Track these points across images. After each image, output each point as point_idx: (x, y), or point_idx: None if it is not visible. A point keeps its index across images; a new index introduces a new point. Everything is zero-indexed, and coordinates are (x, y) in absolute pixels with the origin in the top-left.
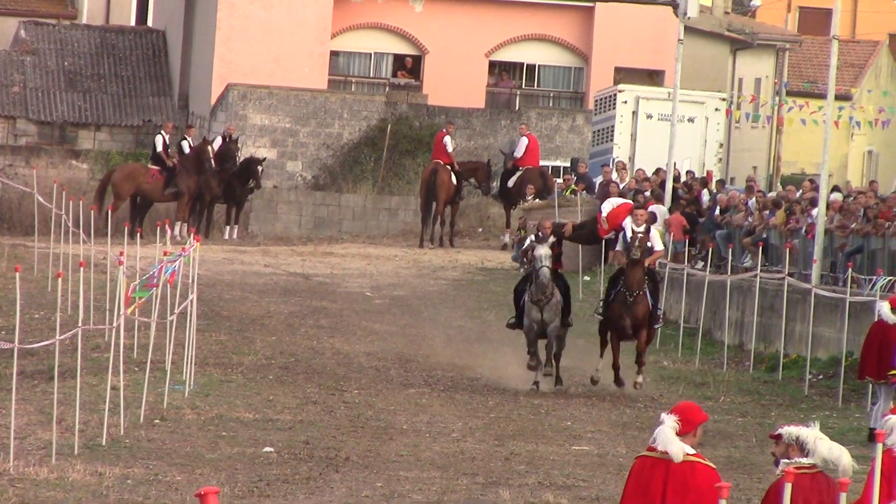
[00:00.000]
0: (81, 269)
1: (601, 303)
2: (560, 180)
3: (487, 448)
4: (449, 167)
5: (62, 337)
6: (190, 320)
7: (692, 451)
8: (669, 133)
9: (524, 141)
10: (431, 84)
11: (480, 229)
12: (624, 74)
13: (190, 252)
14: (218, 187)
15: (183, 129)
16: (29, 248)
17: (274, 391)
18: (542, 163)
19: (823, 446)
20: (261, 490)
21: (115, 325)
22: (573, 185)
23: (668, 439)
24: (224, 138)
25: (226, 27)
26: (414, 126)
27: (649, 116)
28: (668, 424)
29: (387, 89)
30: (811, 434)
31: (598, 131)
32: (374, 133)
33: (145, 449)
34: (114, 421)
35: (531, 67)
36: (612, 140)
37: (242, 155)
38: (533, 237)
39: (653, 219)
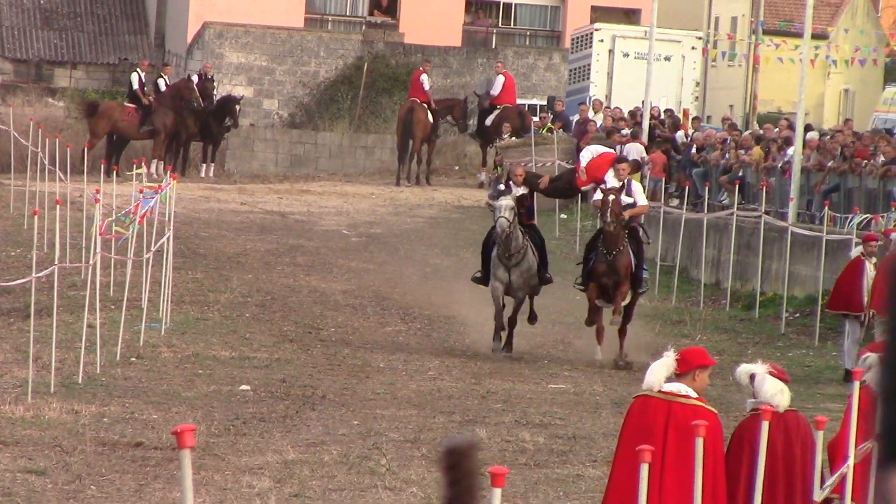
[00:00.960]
0: (58, 206)
1: (581, 270)
2: (537, 119)
3: (464, 386)
4: (425, 105)
5: (38, 275)
6: (166, 258)
7: (692, 394)
8: (646, 72)
9: (501, 79)
10: (408, 22)
11: (457, 167)
12: (600, 13)
13: (166, 190)
14: (194, 125)
15: (159, 67)
16: (5, 185)
17: (250, 329)
18: (518, 101)
19: (769, 386)
20: (237, 428)
21: (91, 263)
22: (550, 124)
23: (651, 370)
24: (200, 76)
25: None
26: (390, 64)
27: (626, 55)
28: (663, 360)
29: (363, 27)
30: (747, 369)
31: (575, 70)
32: (350, 71)
33: (121, 387)
34: (90, 359)
35: (507, 6)
36: (588, 79)
37: (219, 93)
38: (502, 184)
39: (636, 168)
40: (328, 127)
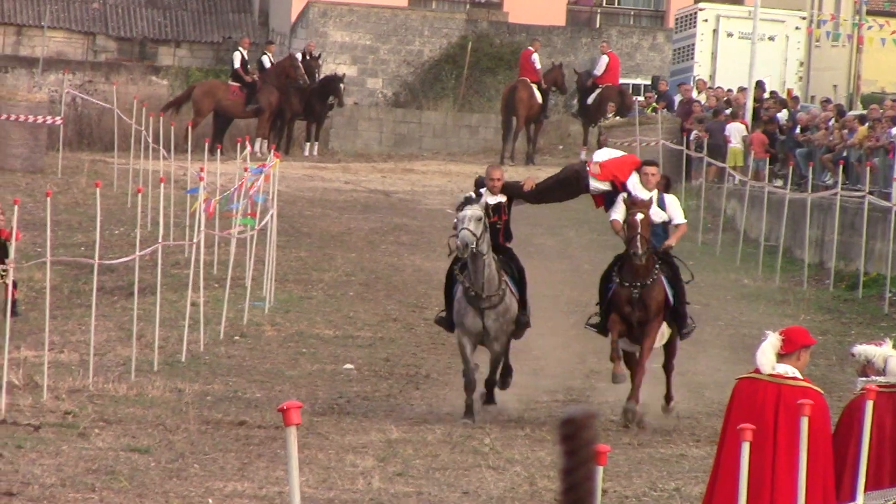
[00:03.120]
0: (161, 184)
1: (597, 309)
2: (640, 98)
3: (567, 366)
4: (535, 84)
5: (142, 253)
6: (270, 237)
7: (799, 375)
8: (750, 52)
9: (605, 59)
10: (512, 1)
11: (561, 146)
12: None
13: (269, 168)
14: (299, 104)
15: (263, 45)
16: (109, 164)
17: (354, 308)
18: (622, 81)
19: (895, 364)
20: (341, 407)
21: (195, 241)
22: (654, 104)
23: (762, 352)
24: (304, 55)
25: None
26: (494, 44)
27: (730, 35)
28: (769, 341)
29: (467, 6)
30: (881, 352)
31: (679, 50)
32: (454, 50)
33: (225, 365)
34: (193, 338)
35: None
36: (692, 59)
37: (323, 72)
38: (472, 193)
39: (666, 184)
40: (432, 106)
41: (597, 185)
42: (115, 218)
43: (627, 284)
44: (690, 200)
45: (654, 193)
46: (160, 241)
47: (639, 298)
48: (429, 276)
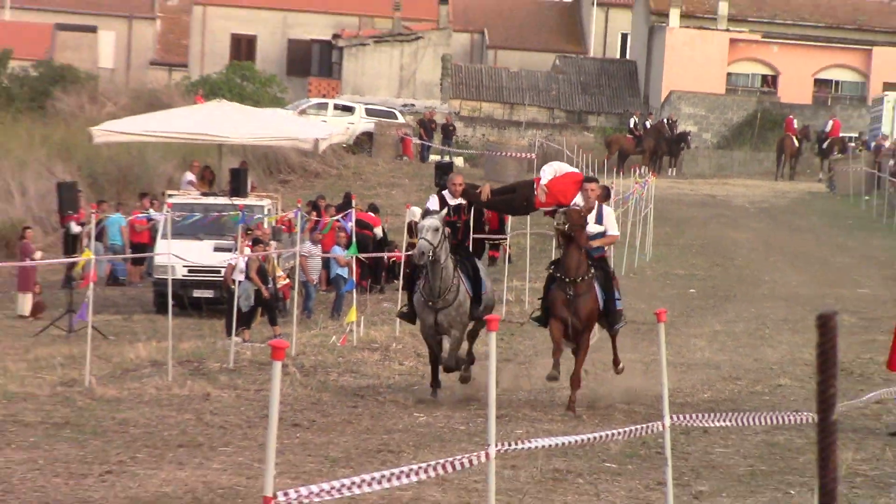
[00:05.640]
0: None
1: (540, 304)
2: (853, 143)
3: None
4: (794, 136)
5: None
6: (650, 219)
7: None
8: None
9: (831, 122)
10: (783, 90)
11: (808, 170)
12: (889, 86)
13: (649, 182)
14: (665, 147)
15: (645, 114)
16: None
17: (693, 260)
18: (842, 134)
19: None
20: (688, 313)
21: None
22: (860, 147)
23: None
24: (668, 120)
25: (669, 56)
26: (772, 114)
27: None
28: None
29: (758, 94)
30: None
31: (874, 117)
32: (750, 118)
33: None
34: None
35: (836, 83)
36: (880, 122)
37: (678, 129)
38: (434, 197)
39: (606, 194)
40: (737, 148)
41: (544, 208)
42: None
43: (563, 278)
44: (878, 200)
45: (594, 208)
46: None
47: (573, 303)
48: (736, 242)
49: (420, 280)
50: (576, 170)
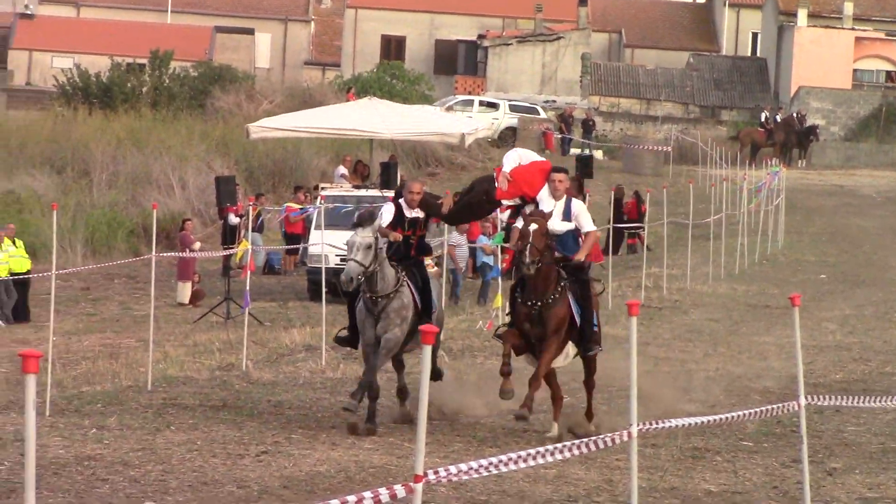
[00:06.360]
0: (724, 182)
1: (501, 324)
2: None
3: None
4: None
5: (716, 217)
6: (782, 209)
7: None
8: None
9: None
10: None
11: None
12: None
13: (781, 173)
14: (795, 139)
15: (776, 109)
16: (693, 171)
17: (823, 248)
18: None
19: None
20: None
21: (749, 207)
22: None
23: None
24: (797, 114)
25: (797, 53)
26: None
27: None
28: None
29: (882, 89)
30: None
31: None
32: (877, 111)
33: (760, 276)
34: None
35: None
36: None
37: (807, 122)
38: (390, 205)
39: (578, 187)
40: (864, 140)
41: (506, 201)
42: (698, 200)
43: (527, 302)
44: None
45: (562, 202)
46: (723, 210)
47: (538, 315)
48: (864, 229)
49: (358, 302)
50: (543, 158)
